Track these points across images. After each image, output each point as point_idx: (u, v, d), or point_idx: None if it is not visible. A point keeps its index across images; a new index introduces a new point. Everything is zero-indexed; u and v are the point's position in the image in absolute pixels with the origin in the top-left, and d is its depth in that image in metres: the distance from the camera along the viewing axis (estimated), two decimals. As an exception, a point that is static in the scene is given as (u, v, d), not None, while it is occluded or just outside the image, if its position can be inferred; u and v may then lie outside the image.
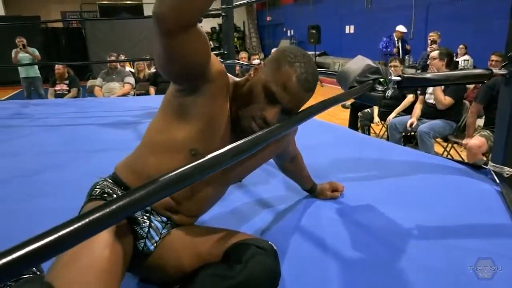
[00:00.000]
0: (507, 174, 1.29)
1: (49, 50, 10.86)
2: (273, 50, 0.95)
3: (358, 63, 1.22)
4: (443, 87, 3.33)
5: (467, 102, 3.59)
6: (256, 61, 5.08)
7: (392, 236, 1.07)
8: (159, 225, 0.89)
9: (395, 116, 3.81)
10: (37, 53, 6.61)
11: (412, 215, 1.15)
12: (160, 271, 0.88)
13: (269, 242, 0.83)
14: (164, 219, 0.90)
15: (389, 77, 1.26)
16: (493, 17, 6.21)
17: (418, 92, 3.73)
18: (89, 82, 6.39)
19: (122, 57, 6.51)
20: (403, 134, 3.70)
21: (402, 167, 1.56)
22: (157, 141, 0.88)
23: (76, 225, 0.36)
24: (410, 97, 3.83)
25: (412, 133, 3.67)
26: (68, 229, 0.35)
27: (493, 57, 3.91)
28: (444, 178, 1.41)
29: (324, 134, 2.19)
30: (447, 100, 3.30)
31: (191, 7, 0.65)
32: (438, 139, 3.60)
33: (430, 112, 3.43)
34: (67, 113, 3.11)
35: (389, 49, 6.66)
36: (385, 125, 3.99)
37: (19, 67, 6.64)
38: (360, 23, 10.95)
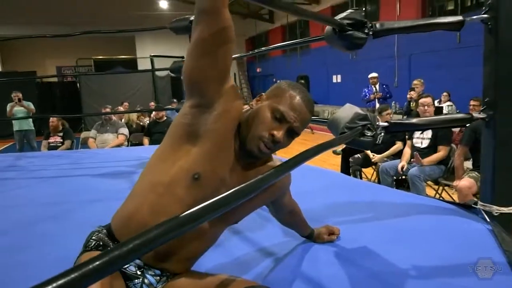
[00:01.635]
0: (496, 212, 1.33)
1: (43, 104, 11.04)
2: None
3: (347, 111, 1.29)
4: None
5: (454, 146, 3.71)
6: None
7: (389, 276, 1.08)
8: (152, 280, 0.87)
9: (384, 161, 3.90)
10: (32, 106, 6.73)
11: (408, 255, 1.17)
12: None
13: None
14: (158, 272, 0.88)
15: (377, 123, 1.34)
16: (472, 65, 6.58)
17: (406, 136, 3.86)
18: (83, 134, 6.45)
19: (121, 109, 6.63)
20: (395, 178, 3.76)
21: (395, 209, 1.59)
22: (159, 171, 0.89)
23: (63, 280, 0.35)
24: (399, 144, 3.95)
25: (404, 177, 3.74)
26: (61, 281, 0.35)
27: (472, 102, 4.12)
28: (436, 218, 1.44)
29: (318, 179, 2.23)
30: (444, 150, 3.43)
31: None
32: (429, 182, 3.66)
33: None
34: (61, 164, 3.13)
35: (366, 97, 6.96)
36: (376, 169, 4.07)
37: (13, 121, 6.73)
38: (347, 72, 11.45)
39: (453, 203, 1.69)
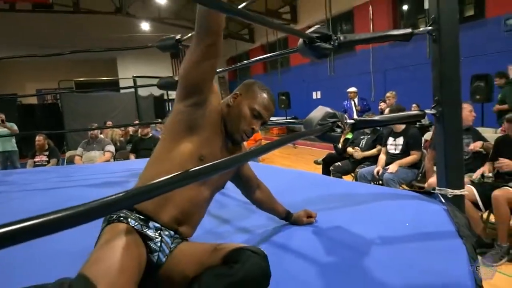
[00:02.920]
0: (450, 195, 1.54)
1: (25, 126, 10.94)
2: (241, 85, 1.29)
3: (319, 111, 1.50)
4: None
5: (425, 151, 3.98)
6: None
7: (359, 245, 1.27)
8: (168, 240, 1.08)
9: (360, 165, 4.18)
10: (15, 127, 6.74)
11: (375, 229, 1.37)
12: (168, 281, 1.04)
13: (261, 249, 1.01)
14: (172, 233, 1.09)
15: (345, 121, 1.55)
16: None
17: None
18: (68, 153, 6.49)
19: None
20: (372, 182, 4.00)
21: (367, 198, 1.79)
22: (166, 159, 1.11)
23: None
24: (379, 147, 4.23)
25: (380, 181, 3.98)
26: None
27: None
28: (401, 202, 1.65)
29: (299, 180, 2.43)
30: (416, 154, 3.71)
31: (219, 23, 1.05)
32: (404, 186, 3.91)
33: (392, 161, 3.79)
34: (51, 178, 3.23)
35: (345, 109, 7.31)
36: (354, 176, 4.31)
37: (-5, 142, 6.73)
38: (326, 88, 11.86)
39: (416, 191, 1.90)
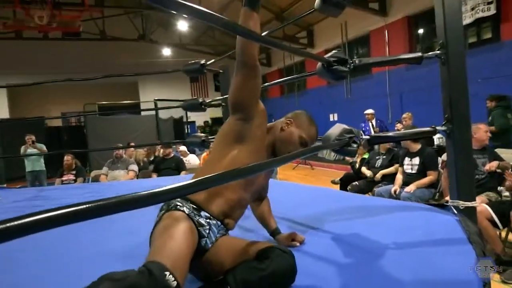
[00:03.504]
0: (461, 206, 1.63)
1: (52, 147, 11.40)
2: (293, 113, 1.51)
3: (337, 128, 1.64)
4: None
5: (441, 170, 4.03)
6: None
7: (373, 247, 1.37)
8: (215, 229, 1.25)
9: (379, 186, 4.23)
10: (44, 148, 7.09)
11: (389, 236, 1.48)
12: (208, 266, 1.20)
13: (289, 248, 1.15)
14: (219, 223, 1.27)
15: (361, 137, 1.68)
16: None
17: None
18: (93, 172, 6.76)
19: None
20: (389, 201, 4.06)
21: (381, 210, 1.89)
22: (217, 164, 1.29)
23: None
24: (396, 166, 4.32)
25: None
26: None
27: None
28: (417, 214, 1.75)
29: (316, 195, 2.54)
30: (433, 175, 3.78)
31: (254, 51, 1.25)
32: (421, 205, 3.95)
33: (409, 180, 3.85)
34: (84, 193, 3.42)
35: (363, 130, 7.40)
36: (372, 195, 4.37)
37: (26, 162, 7.07)
38: (343, 111, 11.97)
39: (430, 204, 1.99)
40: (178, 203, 1.23)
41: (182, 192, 0.71)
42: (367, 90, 10.89)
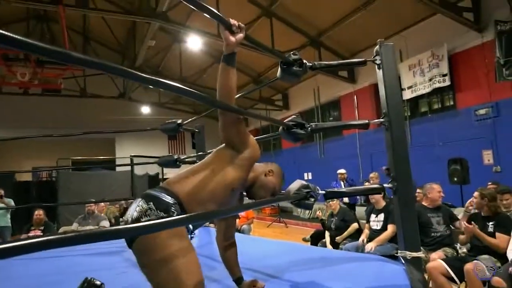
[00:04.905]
0: (409, 256, 1.81)
1: (19, 201, 11.03)
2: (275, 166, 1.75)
3: (296, 183, 1.84)
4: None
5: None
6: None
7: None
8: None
9: (343, 241, 4.42)
10: (12, 203, 6.92)
11: (345, 284, 1.62)
12: None
13: None
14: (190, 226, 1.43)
15: (317, 192, 1.87)
16: (423, 162, 7.57)
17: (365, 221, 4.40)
18: (62, 229, 6.60)
19: (101, 204, 6.93)
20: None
21: (341, 261, 2.04)
22: (212, 178, 1.44)
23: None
24: (354, 224, 4.50)
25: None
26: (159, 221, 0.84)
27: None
28: (371, 263, 1.91)
29: (283, 248, 2.66)
30: (392, 227, 3.96)
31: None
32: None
33: (374, 236, 4.03)
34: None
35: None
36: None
37: (-11, 218, 6.84)
38: (316, 170, 12.34)
39: (383, 255, 2.15)
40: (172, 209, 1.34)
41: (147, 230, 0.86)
42: (339, 150, 11.39)
